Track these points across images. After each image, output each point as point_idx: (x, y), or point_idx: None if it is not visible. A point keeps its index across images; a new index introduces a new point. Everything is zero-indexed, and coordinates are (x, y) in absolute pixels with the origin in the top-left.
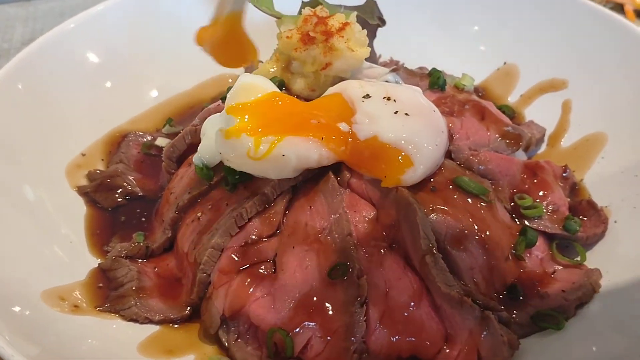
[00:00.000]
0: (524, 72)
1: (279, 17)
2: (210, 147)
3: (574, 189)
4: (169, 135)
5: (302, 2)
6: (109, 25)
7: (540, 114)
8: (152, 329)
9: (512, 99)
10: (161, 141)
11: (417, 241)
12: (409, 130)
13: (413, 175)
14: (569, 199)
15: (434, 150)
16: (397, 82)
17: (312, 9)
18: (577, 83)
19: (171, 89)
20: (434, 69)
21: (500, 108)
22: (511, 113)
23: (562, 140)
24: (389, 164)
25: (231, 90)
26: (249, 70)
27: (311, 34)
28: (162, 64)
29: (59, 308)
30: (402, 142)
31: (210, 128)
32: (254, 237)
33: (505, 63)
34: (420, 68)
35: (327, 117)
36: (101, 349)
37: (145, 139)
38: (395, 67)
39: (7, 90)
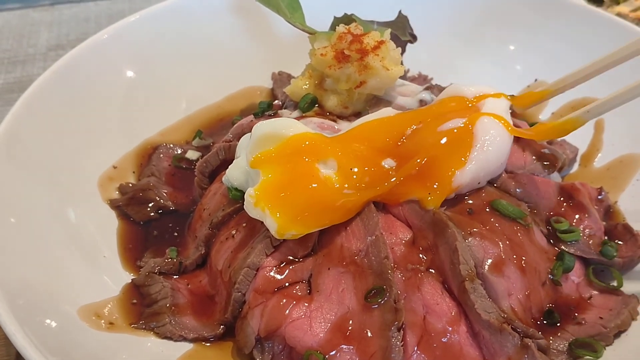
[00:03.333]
0: None
1: (312, 33)
2: (240, 174)
3: (608, 211)
4: (199, 148)
5: (335, 17)
6: (139, 36)
7: (572, 133)
8: (186, 346)
9: (543, 117)
10: (192, 154)
11: (456, 267)
12: None
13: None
14: (604, 223)
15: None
16: (432, 100)
17: (346, 26)
18: None
19: (200, 101)
20: None
21: (531, 126)
22: None
23: (595, 160)
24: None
25: (250, 144)
26: (278, 85)
27: (346, 52)
28: (191, 76)
29: (95, 325)
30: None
31: (243, 150)
32: (289, 257)
33: (536, 80)
34: None
35: (371, 149)
36: None
37: (175, 152)
38: (430, 85)
39: (40, 102)
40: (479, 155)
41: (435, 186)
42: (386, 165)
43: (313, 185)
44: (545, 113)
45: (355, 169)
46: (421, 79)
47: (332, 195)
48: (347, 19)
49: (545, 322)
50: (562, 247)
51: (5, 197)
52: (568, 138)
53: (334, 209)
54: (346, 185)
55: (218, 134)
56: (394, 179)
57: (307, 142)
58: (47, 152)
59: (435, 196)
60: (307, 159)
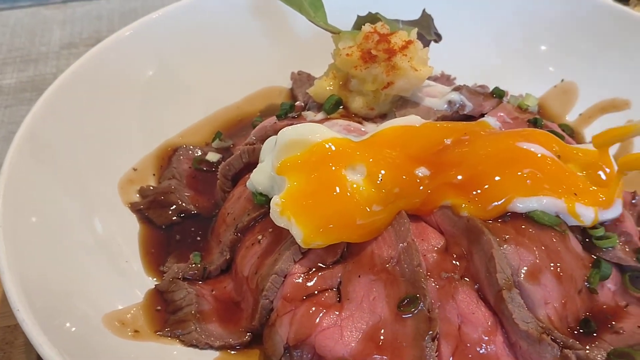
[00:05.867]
0: (584, 91)
1: (336, 32)
2: (265, 179)
3: None
4: (219, 150)
5: (358, 16)
6: (159, 35)
7: None
8: (212, 354)
9: (570, 118)
10: (212, 156)
11: (492, 275)
12: None
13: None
14: (638, 228)
15: None
16: (462, 102)
17: (372, 25)
18: None
19: (218, 101)
20: (496, 89)
21: (559, 127)
22: (570, 132)
23: None
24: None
25: (275, 150)
26: (297, 85)
27: (373, 51)
28: (209, 76)
29: (120, 333)
30: None
31: (268, 155)
32: (317, 263)
33: (562, 80)
34: (482, 86)
35: (403, 156)
36: None
37: (195, 154)
38: (458, 85)
39: (60, 102)
40: (555, 201)
41: (474, 193)
42: (420, 174)
43: (340, 196)
44: (572, 114)
45: (386, 178)
46: (444, 79)
47: (359, 213)
48: (372, 18)
49: (581, 331)
50: (598, 254)
51: (26, 197)
52: None
53: (361, 227)
54: (375, 202)
55: (238, 136)
56: (428, 189)
57: (334, 149)
58: (66, 153)
59: (473, 204)
60: (334, 167)
